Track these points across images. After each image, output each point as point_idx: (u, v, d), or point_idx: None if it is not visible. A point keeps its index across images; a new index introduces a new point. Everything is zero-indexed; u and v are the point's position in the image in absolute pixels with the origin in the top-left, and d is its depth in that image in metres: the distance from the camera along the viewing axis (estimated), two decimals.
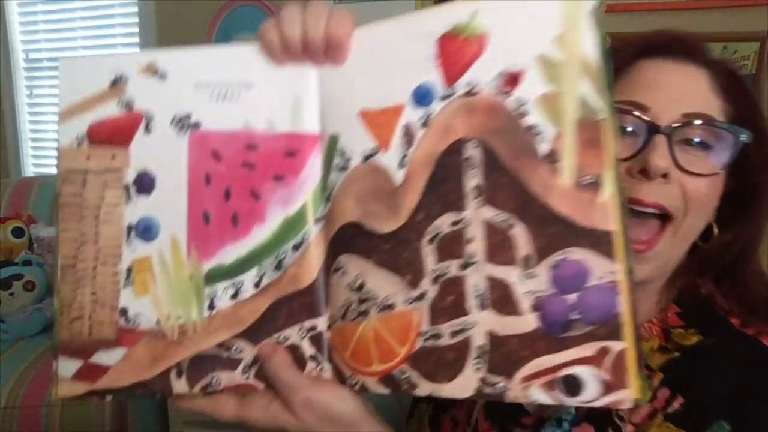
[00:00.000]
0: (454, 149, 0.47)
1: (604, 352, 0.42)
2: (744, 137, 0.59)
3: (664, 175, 0.58)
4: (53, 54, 2.82)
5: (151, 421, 1.74)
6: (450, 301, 0.46)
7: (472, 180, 0.46)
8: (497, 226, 0.45)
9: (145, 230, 0.52)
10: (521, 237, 0.45)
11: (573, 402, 0.42)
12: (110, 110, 0.53)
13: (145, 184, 0.52)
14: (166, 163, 0.52)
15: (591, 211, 0.42)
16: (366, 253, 0.49)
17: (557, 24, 0.44)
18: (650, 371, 0.59)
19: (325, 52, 0.51)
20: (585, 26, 0.43)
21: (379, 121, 0.50)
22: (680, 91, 0.61)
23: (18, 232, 2.10)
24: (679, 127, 0.58)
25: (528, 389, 0.43)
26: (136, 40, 2.58)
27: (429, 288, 0.47)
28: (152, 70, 0.53)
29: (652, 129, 0.58)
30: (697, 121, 0.59)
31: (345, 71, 0.51)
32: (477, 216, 0.46)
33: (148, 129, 0.53)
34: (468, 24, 0.47)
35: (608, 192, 0.42)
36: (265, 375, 0.50)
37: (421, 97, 0.48)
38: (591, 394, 0.42)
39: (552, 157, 0.44)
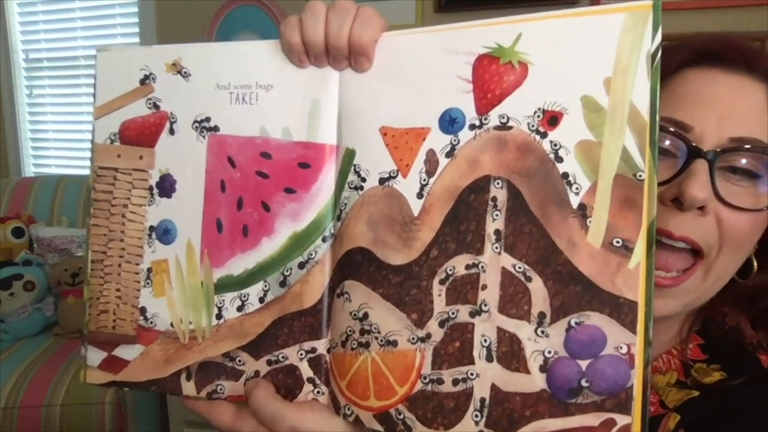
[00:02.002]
0: (479, 186, 0.43)
1: (609, 424, 0.39)
2: None
3: (701, 207, 0.49)
4: (53, 54, 2.82)
5: (150, 421, 1.74)
6: (455, 347, 0.44)
7: (494, 223, 0.43)
8: (515, 276, 0.42)
9: (165, 233, 0.52)
10: (539, 292, 0.41)
11: None
12: (140, 109, 0.53)
13: (166, 186, 0.52)
14: (187, 167, 0.52)
15: (617, 276, 0.39)
16: (373, 283, 0.46)
17: (609, 64, 0.40)
18: (666, 410, 0.52)
19: (349, 57, 0.47)
20: (640, 71, 0.39)
21: (401, 141, 0.46)
22: (730, 109, 0.50)
23: (18, 232, 2.09)
24: (724, 152, 0.48)
25: None
26: (137, 40, 2.53)
27: (435, 330, 0.44)
28: (177, 68, 0.52)
29: (693, 153, 0.49)
30: (747, 147, 0.48)
31: (368, 79, 0.47)
32: (495, 262, 0.43)
33: (172, 130, 0.52)
34: (510, 49, 0.42)
35: (638, 260, 0.39)
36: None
37: (450, 122, 0.44)
38: None
39: (583, 211, 0.40)
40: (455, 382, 0.43)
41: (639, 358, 0.39)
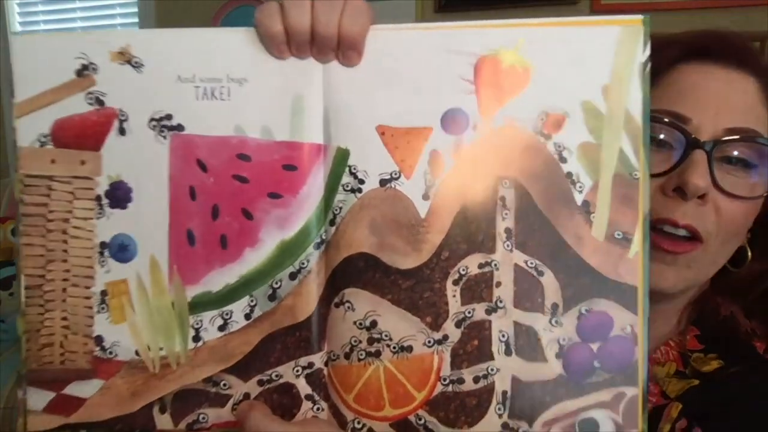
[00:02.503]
0: (486, 186, 0.44)
1: (620, 397, 0.44)
2: None
3: (701, 196, 0.52)
4: None
5: None
6: (474, 346, 0.45)
7: (504, 221, 0.44)
8: (527, 272, 0.44)
9: (121, 249, 0.45)
10: (551, 285, 0.44)
11: None
12: (78, 105, 0.45)
13: (119, 195, 0.45)
14: (144, 172, 0.45)
15: (619, 265, 0.44)
16: (380, 290, 0.45)
17: (607, 73, 0.43)
18: (667, 400, 0.55)
19: (337, 49, 0.43)
20: (633, 80, 0.43)
21: (402, 141, 0.44)
22: (725, 101, 0.54)
23: None
24: (721, 142, 0.52)
25: None
26: None
27: (452, 331, 0.45)
28: (126, 58, 0.45)
29: (692, 143, 0.52)
30: (741, 138, 0.53)
31: (358, 74, 0.44)
32: (507, 259, 0.44)
33: (122, 130, 0.45)
34: (512, 52, 0.43)
35: (636, 249, 0.43)
36: None
37: (453, 122, 0.44)
38: None
39: (586, 208, 0.44)
40: (476, 379, 0.44)
41: (640, 335, 0.43)
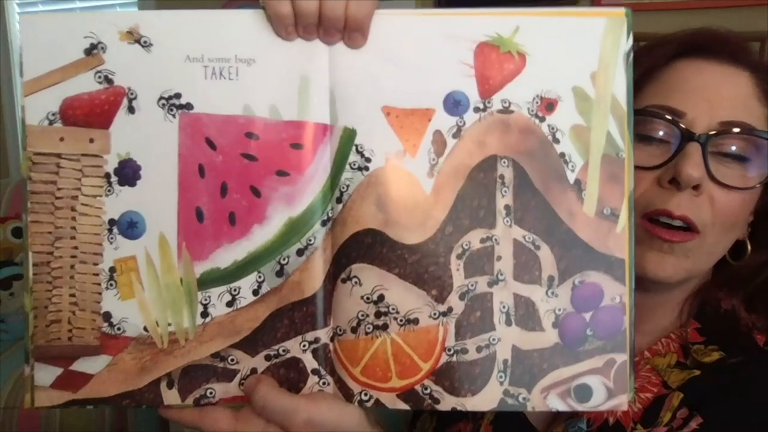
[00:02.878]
0: (487, 165, 0.46)
1: (611, 363, 0.47)
2: None
3: (695, 187, 0.53)
4: None
5: (151, 421, 1.72)
6: (477, 317, 0.47)
7: (504, 198, 0.46)
8: (525, 246, 0.46)
9: (130, 226, 0.46)
10: (547, 258, 0.47)
11: (583, 408, 0.47)
12: (86, 84, 0.45)
13: (128, 173, 0.46)
14: (153, 150, 0.46)
15: (608, 239, 0.46)
16: (387, 264, 0.46)
17: (594, 61, 0.46)
18: (668, 390, 0.55)
19: (343, 31, 0.44)
20: (618, 67, 0.46)
21: (407, 122, 0.46)
22: (719, 95, 0.55)
23: (18, 232, 2.07)
24: (715, 135, 0.54)
25: (546, 399, 0.47)
26: None
27: (456, 303, 0.46)
28: (135, 37, 0.45)
29: (686, 136, 0.54)
30: (736, 130, 0.54)
31: (363, 56, 0.46)
32: (506, 234, 0.46)
33: (131, 108, 0.46)
34: (509, 39, 0.46)
35: (623, 224, 0.46)
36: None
37: (455, 104, 0.46)
38: (598, 400, 0.46)
39: (578, 186, 0.46)
40: (479, 349, 0.46)
41: (628, 304, 0.46)
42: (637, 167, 0.53)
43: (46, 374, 0.46)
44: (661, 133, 0.55)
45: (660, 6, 1.72)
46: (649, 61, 0.57)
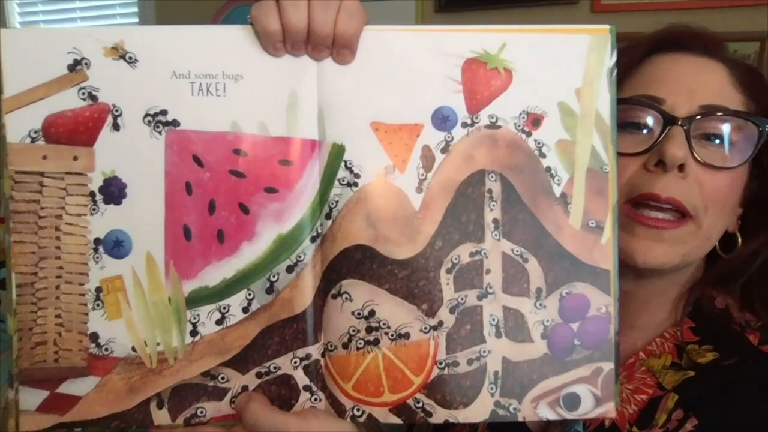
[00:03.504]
0: (475, 180, 0.47)
1: (598, 371, 0.48)
2: None
3: (681, 169, 0.54)
4: None
5: None
6: (467, 330, 0.47)
7: (492, 212, 0.47)
8: (513, 259, 0.47)
9: (116, 245, 0.45)
10: (534, 270, 0.47)
11: (572, 416, 0.48)
12: (69, 100, 0.45)
13: (113, 191, 0.45)
14: (139, 168, 0.45)
15: (593, 251, 0.48)
16: (377, 280, 0.46)
17: (579, 77, 0.47)
18: (663, 391, 0.56)
19: (332, 47, 0.44)
20: (602, 84, 0.47)
21: (396, 137, 0.46)
22: (697, 82, 0.57)
23: None
24: (696, 118, 0.54)
25: (537, 408, 0.47)
26: None
27: (447, 317, 0.47)
28: (120, 53, 0.45)
29: (668, 120, 0.55)
30: (716, 112, 0.55)
31: (351, 72, 0.46)
32: (495, 248, 0.47)
33: (116, 125, 0.45)
34: (495, 55, 0.47)
35: (608, 236, 0.48)
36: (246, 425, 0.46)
37: (443, 119, 0.46)
38: (586, 408, 0.48)
39: (564, 199, 0.47)
40: (470, 362, 0.47)
41: (613, 314, 0.47)
42: (622, 154, 0.54)
43: (31, 397, 0.45)
44: (644, 120, 0.56)
45: (660, 6, 1.70)
46: (627, 58, 0.58)
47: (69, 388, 0.45)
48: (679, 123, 0.54)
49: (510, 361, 0.47)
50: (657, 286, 0.59)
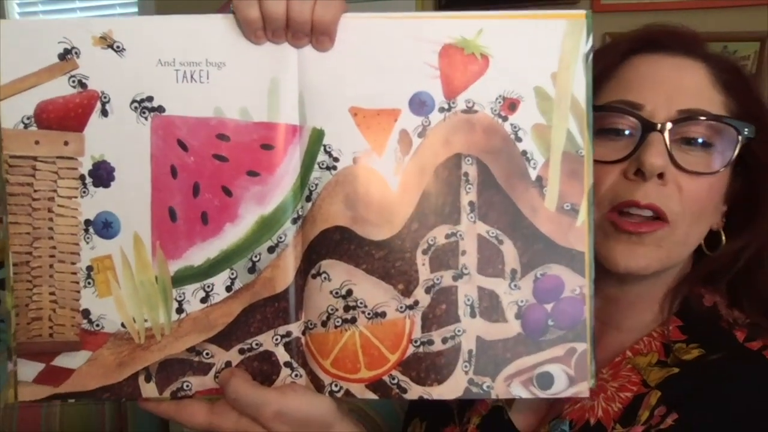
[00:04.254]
0: (451, 163, 0.48)
1: (571, 352, 0.48)
2: (747, 132, 0.55)
3: (661, 176, 0.54)
4: None
5: (151, 421, 1.69)
6: (442, 310, 0.48)
7: (468, 195, 0.48)
8: (489, 241, 0.48)
9: (105, 226, 0.47)
10: (510, 252, 0.48)
11: (545, 395, 0.48)
12: (60, 88, 0.47)
13: (102, 174, 0.47)
14: (126, 152, 0.47)
15: (569, 233, 0.48)
16: (355, 260, 0.48)
17: (554, 61, 0.47)
18: (648, 388, 0.55)
19: (311, 35, 0.46)
20: (578, 68, 0.47)
21: (374, 122, 0.47)
22: (676, 86, 0.56)
23: None
24: (675, 124, 0.54)
25: (510, 386, 0.48)
26: None
27: (422, 297, 0.48)
28: (108, 42, 0.47)
29: (647, 127, 0.54)
30: (695, 117, 0.55)
31: (331, 59, 0.47)
32: (471, 230, 0.48)
33: (104, 111, 0.47)
34: (472, 41, 0.47)
35: (583, 219, 0.48)
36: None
37: (420, 104, 0.47)
38: (559, 387, 0.48)
39: (540, 182, 0.48)
40: (444, 340, 0.48)
41: (587, 295, 0.48)
42: (602, 162, 0.55)
43: (28, 370, 0.48)
44: (622, 126, 0.56)
45: (660, 6, 1.70)
46: (605, 60, 0.58)
47: (63, 361, 0.48)
48: (658, 129, 0.54)
49: (484, 340, 0.48)
50: (641, 289, 0.59)
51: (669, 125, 0.54)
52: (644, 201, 0.54)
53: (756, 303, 0.59)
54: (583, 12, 0.47)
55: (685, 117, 0.55)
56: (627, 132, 0.56)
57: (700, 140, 0.55)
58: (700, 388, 0.53)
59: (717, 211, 0.59)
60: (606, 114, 0.56)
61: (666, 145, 0.54)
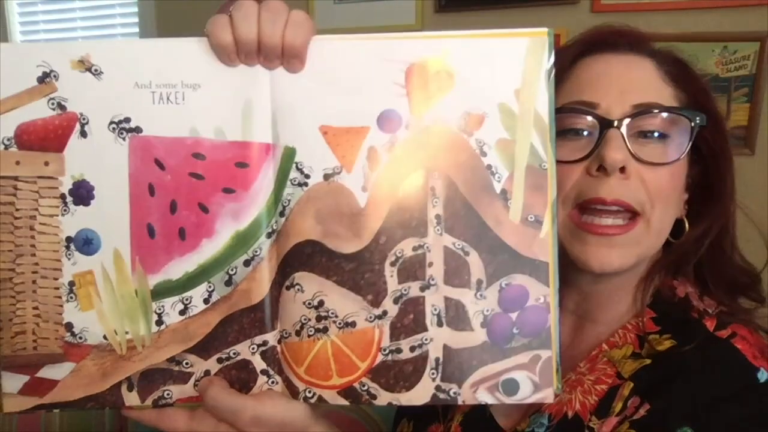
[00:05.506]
0: (419, 178, 0.49)
1: (536, 359, 0.50)
2: (699, 120, 0.58)
3: (622, 170, 0.56)
4: None
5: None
6: (410, 319, 0.50)
7: (435, 209, 0.49)
8: (455, 253, 0.50)
9: (86, 243, 0.49)
10: (476, 263, 0.50)
11: (511, 401, 0.50)
12: (40, 110, 0.48)
13: (83, 193, 0.49)
14: (105, 171, 0.49)
15: (533, 244, 0.50)
16: (326, 272, 0.50)
17: (518, 78, 0.49)
18: (621, 380, 0.57)
19: (282, 57, 0.48)
20: (541, 84, 0.49)
21: (342, 140, 0.49)
22: (627, 82, 0.58)
23: None
24: (631, 118, 0.56)
25: (476, 393, 0.50)
26: None
27: (390, 307, 0.50)
28: (86, 66, 0.48)
29: (604, 124, 0.56)
30: (650, 111, 0.57)
31: (302, 79, 0.49)
32: (437, 242, 0.50)
33: (83, 132, 0.49)
34: (438, 60, 0.49)
35: (547, 230, 0.50)
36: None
37: (387, 122, 0.49)
38: (524, 393, 0.50)
39: (504, 195, 0.50)
40: (412, 348, 0.50)
41: (552, 304, 0.50)
42: (564, 162, 0.57)
43: (13, 382, 0.50)
44: (581, 126, 0.58)
45: (660, 6, 1.70)
46: (557, 64, 0.59)
47: (47, 372, 0.50)
48: (615, 125, 0.56)
49: (451, 348, 0.50)
50: (616, 282, 0.61)
51: (626, 120, 0.56)
52: (610, 197, 0.56)
53: (721, 286, 0.61)
54: (545, 30, 0.49)
55: (640, 111, 0.57)
56: (585, 132, 0.58)
57: (656, 133, 0.58)
58: (671, 378, 0.55)
59: (680, 199, 0.61)
60: (564, 115, 0.58)
61: (624, 139, 0.56)
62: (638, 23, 0.64)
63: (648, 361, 0.58)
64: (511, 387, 0.50)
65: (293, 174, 0.49)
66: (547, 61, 0.49)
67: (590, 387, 0.58)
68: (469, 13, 1.86)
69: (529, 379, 0.50)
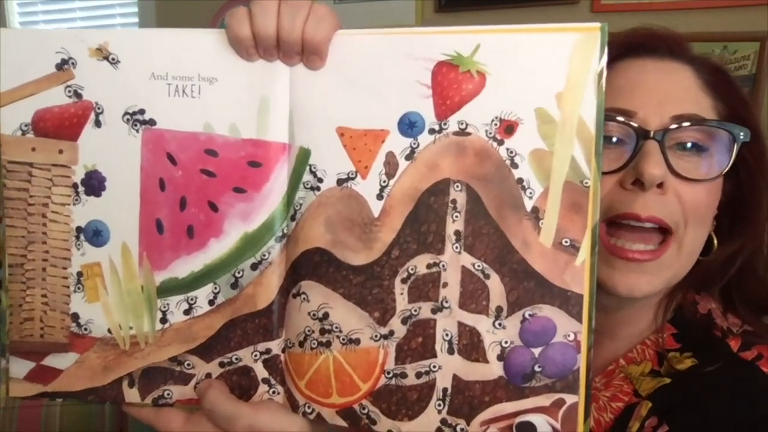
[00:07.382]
0: (439, 189, 0.45)
1: (559, 403, 0.44)
2: (743, 136, 0.53)
3: (660, 185, 0.52)
4: None
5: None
6: (418, 343, 0.46)
7: (454, 224, 0.45)
8: (474, 274, 0.45)
9: (95, 234, 0.48)
10: (496, 288, 0.45)
11: None
12: (57, 97, 0.48)
13: (94, 184, 0.48)
14: (118, 163, 0.48)
15: (566, 272, 0.44)
16: (333, 284, 0.47)
17: (561, 80, 0.42)
18: (639, 398, 0.54)
19: (301, 53, 0.45)
20: (588, 89, 0.42)
21: (360, 143, 0.46)
22: (666, 91, 0.54)
23: None
24: (670, 130, 0.52)
25: None
26: None
27: (398, 327, 0.46)
28: (104, 54, 0.47)
29: (642, 135, 0.52)
30: (688, 123, 0.53)
31: (321, 78, 0.46)
32: (455, 261, 0.45)
33: (98, 122, 0.48)
34: (468, 58, 0.44)
35: (584, 258, 0.43)
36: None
37: (409, 125, 0.45)
38: None
39: (536, 214, 0.44)
40: (418, 375, 0.46)
41: (584, 344, 0.43)
42: None
43: (20, 367, 0.50)
44: (615, 135, 0.54)
45: (660, 6, 1.66)
46: None
47: (52, 361, 0.50)
48: (652, 136, 0.51)
49: (461, 379, 0.45)
50: (640, 304, 0.57)
51: (663, 132, 0.52)
52: (645, 214, 0.52)
53: (749, 308, 0.57)
54: (597, 25, 0.42)
55: (679, 123, 0.52)
56: (621, 140, 0.53)
57: (694, 146, 0.53)
58: (692, 399, 0.51)
59: (712, 217, 0.57)
60: None
61: (663, 152, 0.51)
62: (638, 23, 0.59)
63: (667, 380, 0.54)
64: (527, 431, 0.44)
65: (306, 177, 0.47)
66: (598, 61, 0.42)
67: (606, 404, 0.55)
68: (469, 14, 1.81)
69: (550, 425, 0.44)
